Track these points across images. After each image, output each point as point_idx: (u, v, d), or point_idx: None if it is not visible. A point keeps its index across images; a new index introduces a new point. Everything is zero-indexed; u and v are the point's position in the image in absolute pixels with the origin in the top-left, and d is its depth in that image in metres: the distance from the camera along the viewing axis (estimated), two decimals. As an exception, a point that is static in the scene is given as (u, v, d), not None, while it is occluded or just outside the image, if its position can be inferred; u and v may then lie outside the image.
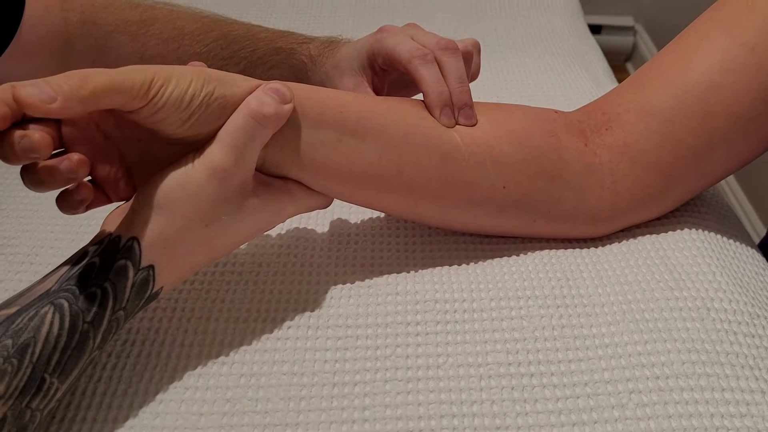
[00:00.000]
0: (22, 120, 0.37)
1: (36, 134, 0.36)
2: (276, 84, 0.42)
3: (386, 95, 0.58)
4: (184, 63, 0.60)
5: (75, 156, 0.39)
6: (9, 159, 0.36)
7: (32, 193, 0.55)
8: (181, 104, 0.38)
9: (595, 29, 2.09)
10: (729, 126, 0.46)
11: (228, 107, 0.40)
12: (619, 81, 0.71)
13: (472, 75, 0.55)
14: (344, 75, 0.56)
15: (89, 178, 0.42)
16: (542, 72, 0.82)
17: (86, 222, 0.56)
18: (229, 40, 0.61)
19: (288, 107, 0.41)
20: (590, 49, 0.90)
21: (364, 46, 0.54)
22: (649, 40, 2.11)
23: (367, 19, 0.96)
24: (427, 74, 0.48)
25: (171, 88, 0.37)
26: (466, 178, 0.47)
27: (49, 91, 0.33)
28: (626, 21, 2.18)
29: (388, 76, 0.56)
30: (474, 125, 0.48)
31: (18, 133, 0.36)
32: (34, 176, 0.38)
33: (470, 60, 0.53)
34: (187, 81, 0.38)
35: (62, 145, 0.40)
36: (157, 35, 0.60)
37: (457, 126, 0.48)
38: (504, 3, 1.01)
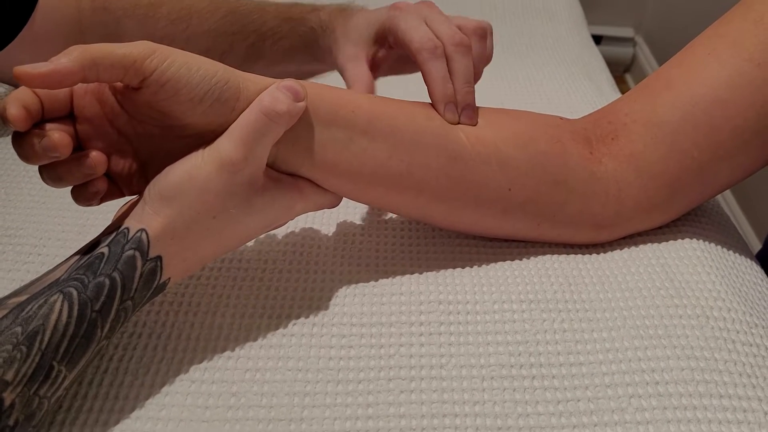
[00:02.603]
0: (40, 121, 0.39)
1: (55, 134, 0.37)
2: (290, 82, 0.42)
3: (390, 68, 0.58)
4: (193, 42, 0.60)
5: (94, 153, 0.40)
6: (30, 159, 0.38)
7: (40, 184, 0.56)
8: (191, 81, 0.38)
9: (595, 39, 2.09)
10: (734, 140, 0.47)
11: (241, 100, 0.41)
12: (620, 92, 0.72)
13: (487, 57, 0.54)
14: (348, 43, 0.56)
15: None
16: (546, 80, 0.83)
17: (93, 215, 0.56)
18: (237, 15, 0.61)
19: (301, 105, 0.42)
20: (594, 58, 0.91)
21: (377, 20, 0.54)
22: (648, 52, 2.13)
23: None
24: (433, 70, 0.49)
25: (177, 65, 0.38)
26: (472, 178, 0.47)
27: (41, 63, 0.35)
28: (626, 32, 2.19)
29: (397, 50, 0.56)
30: (475, 125, 0.49)
31: (38, 133, 0.37)
32: (53, 173, 0.39)
33: (484, 43, 0.53)
34: (198, 62, 0.39)
35: (78, 143, 0.41)
36: (166, 16, 0.60)
37: (463, 126, 0.49)
38: (508, 11, 1.02)
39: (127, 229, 0.40)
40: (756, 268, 0.54)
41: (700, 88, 0.47)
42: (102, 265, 0.38)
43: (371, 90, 0.56)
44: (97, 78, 0.37)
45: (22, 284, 0.38)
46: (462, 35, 0.50)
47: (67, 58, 0.35)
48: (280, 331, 0.46)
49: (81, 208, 0.56)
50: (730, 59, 0.46)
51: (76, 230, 0.55)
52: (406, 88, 0.78)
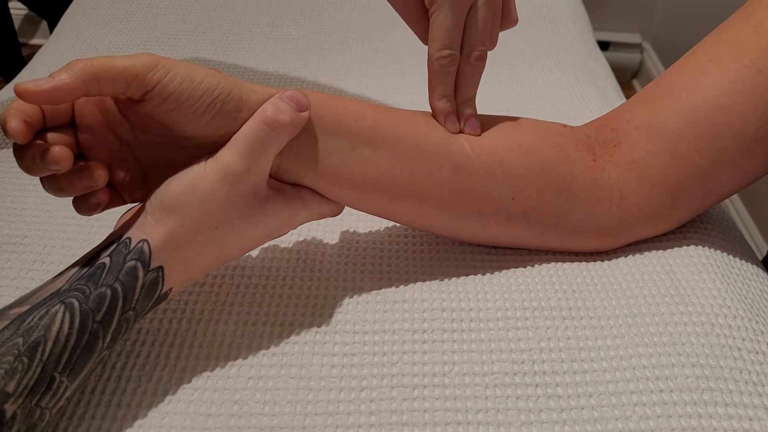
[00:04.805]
0: (42, 129, 0.39)
1: (56, 148, 0.37)
2: (293, 92, 0.42)
3: None
4: None
5: (95, 166, 0.40)
6: (31, 171, 0.38)
7: (45, 193, 0.56)
8: (193, 94, 0.38)
9: (602, 46, 2.11)
10: (736, 146, 0.47)
11: (244, 111, 0.41)
12: (627, 98, 0.72)
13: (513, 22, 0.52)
14: None
15: None
16: (551, 86, 0.83)
17: (98, 223, 0.57)
18: None
19: (304, 115, 0.42)
20: (599, 64, 0.90)
21: None
22: (656, 58, 2.12)
23: (377, 28, 0.97)
24: (439, 83, 0.49)
25: (180, 78, 0.38)
26: (476, 188, 0.47)
27: (43, 79, 0.35)
28: (633, 38, 2.19)
29: None
30: (479, 135, 0.49)
31: (38, 145, 0.37)
32: (54, 184, 0.39)
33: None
34: (200, 75, 0.39)
35: (79, 151, 0.41)
36: None
37: (467, 136, 0.49)
38: (514, 17, 1.01)
39: (129, 239, 0.40)
40: (762, 275, 0.53)
41: (702, 95, 0.47)
42: (103, 275, 0.38)
43: None
44: (99, 92, 0.37)
45: (26, 293, 0.38)
46: (485, 49, 0.49)
47: (68, 74, 0.35)
48: (283, 338, 0.46)
49: (86, 216, 0.56)
50: (732, 65, 0.46)
51: (81, 237, 0.55)
52: (407, 96, 0.79)
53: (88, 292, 0.37)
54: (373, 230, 0.56)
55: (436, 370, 0.44)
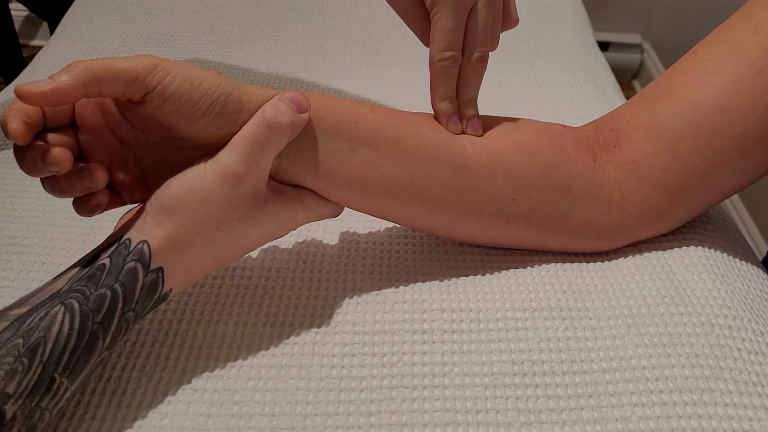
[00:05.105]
0: (42, 130, 0.39)
1: (56, 150, 0.37)
2: (293, 93, 0.42)
3: None
4: None
5: (95, 167, 0.40)
6: (31, 172, 0.38)
7: (45, 193, 0.56)
8: (193, 96, 0.39)
9: (602, 46, 2.11)
10: (736, 147, 0.46)
11: (244, 112, 0.41)
12: (627, 98, 0.72)
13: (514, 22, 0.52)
14: None
15: None
16: (552, 87, 0.83)
17: (98, 224, 0.57)
18: None
19: (304, 116, 0.42)
20: (599, 65, 0.90)
21: None
22: (656, 58, 2.12)
23: (377, 29, 0.97)
24: (441, 84, 0.49)
25: (180, 80, 0.38)
26: (476, 189, 0.47)
27: (43, 81, 0.35)
28: (634, 39, 2.19)
29: None
30: (481, 136, 0.49)
31: (39, 147, 0.37)
32: (54, 185, 0.40)
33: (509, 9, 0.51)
34: (200, 76, 0.39)
35: (80, 152, 0.41)
36: None
37: (468, 137, 0.49)
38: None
39: (129, 240, 0.40)
40: (762, 276, 0.53)
41: (701, 95, 0.47)
42: (103, 276, 0.38)
43: None
44: (100, 93, 0.37)
45: (26, 294, 0.38)
46: (486, 49, 0.49)
47: (68, 75, 0.35)
48: (283, 339, 0.46)
49: (86, 217, 0.56)
50: (731, 66, 0.46)
51: (81, 239, 0.55)
52: (408, 97, 0.79)
53: (88, 293, 0.37)
54: (372, 231, 0.56)
55: (435, 370, 0.44)
